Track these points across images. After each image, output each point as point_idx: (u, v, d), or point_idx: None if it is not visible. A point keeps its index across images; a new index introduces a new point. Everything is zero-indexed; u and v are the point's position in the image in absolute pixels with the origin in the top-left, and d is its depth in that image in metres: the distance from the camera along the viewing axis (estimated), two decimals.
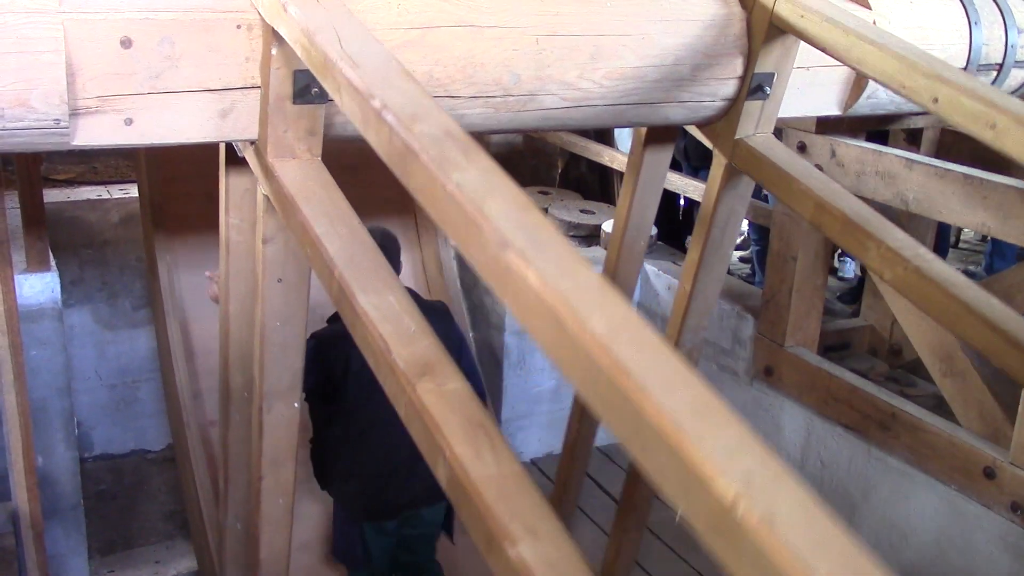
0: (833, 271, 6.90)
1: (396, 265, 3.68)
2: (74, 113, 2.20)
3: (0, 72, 2.09)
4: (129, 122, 2.27)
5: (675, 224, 7.51)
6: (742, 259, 7.89)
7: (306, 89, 2.26)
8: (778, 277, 4.78)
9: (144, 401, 5.76)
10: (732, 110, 3.01)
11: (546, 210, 6.36)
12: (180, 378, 4.97)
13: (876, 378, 4.80)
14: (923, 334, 4.44)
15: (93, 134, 2.25)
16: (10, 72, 2.10)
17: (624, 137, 7.01)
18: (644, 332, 1.09)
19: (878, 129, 4.69)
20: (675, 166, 6.20)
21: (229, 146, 2.63)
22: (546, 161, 7.47)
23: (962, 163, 3.92)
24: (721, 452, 0.94)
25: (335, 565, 4.43)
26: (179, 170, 4.95)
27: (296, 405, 2.71)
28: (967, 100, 2.23)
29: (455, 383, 1.59)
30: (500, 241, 1.21)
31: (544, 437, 5.93)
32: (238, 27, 2.29)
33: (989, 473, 3.78)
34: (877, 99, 3.35)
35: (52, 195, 5.58)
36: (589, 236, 6.19)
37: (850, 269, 7.26)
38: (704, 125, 3.12)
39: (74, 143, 2.24)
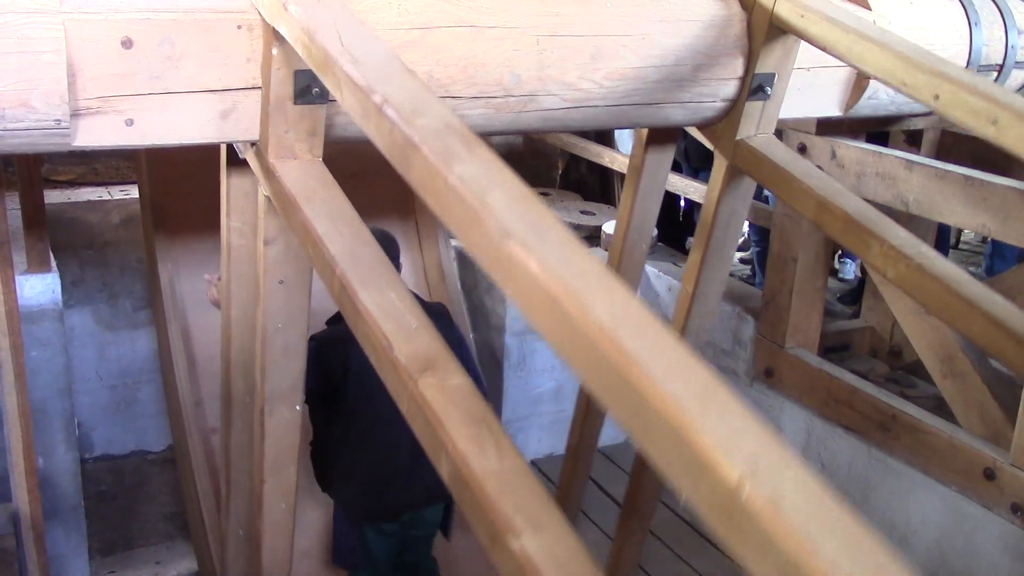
0: (833, 272, 6.90)
1: (396, 266, 3.68)
2: (75, 114, 2.20)
3: (1, 72, 2.09)
4: (130, 123, 2.27)
5: (675, 225, 7.51)
6: (742, 260, 7.89)
7: (307, 89, 2.26)
8: (778, 278, 4.78)
9: (144, 402, 5.76)
10: (733, 111, 3.01)
11: None
12: (182, 384, 4.96)
13: (876, 379, 4.80)
14: (923, 335, 4.43)
15: (94, 135, 2.25)
16: (11, 72, 2.10)
17: (624, 138, 7.01)
18: (647, 319, 1.09)
19: (878, 131, 4.69)
20: (675, 167, 6.20)
21: (230, 148, 2.63)
22: (546, 162, 7.47)
23: (962, 164, 3.92)
24: (725, 436, 0.93)
25: (337, 571, 4.42)
26: (180, 171, 4.94)
27: (298, 408, 2.71)
28: (969, 97, 2.23)
29: (457, 379, 1.59)
30: (502, 232, 1.21)
31: (544, 438, 5.93)
32: (239, 27, 2.29)
33: (989, 474, 3.78)
34: (878, 100, 3.35)
35: (53, 196, 5.59)
36: (590, 237, 6.20)
37: (850, 270, 7.26)
38: (705, 126, 3.12)
39: (75, 144, 2.24)
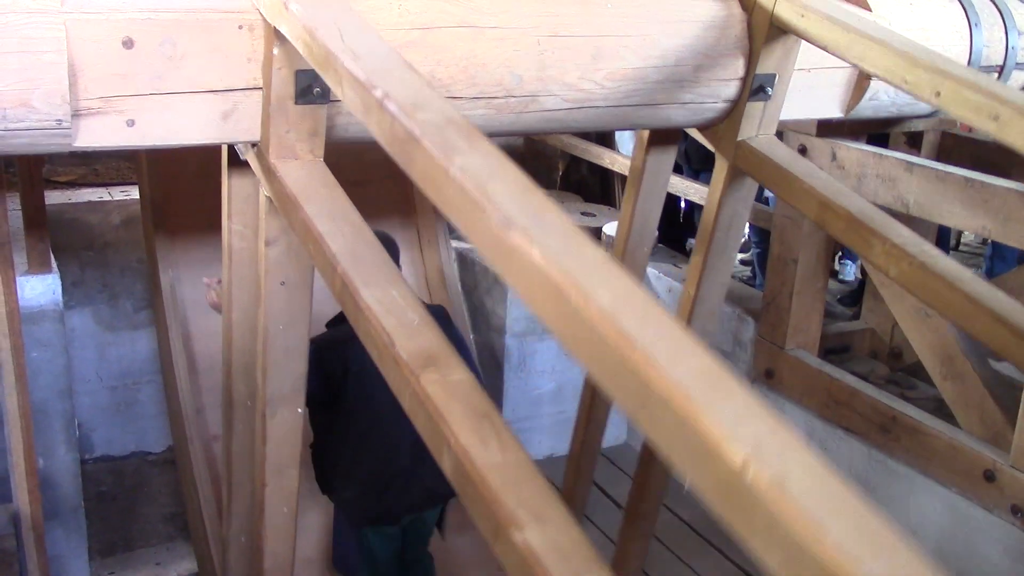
0: (834, 274, 6.90)
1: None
2: (76, 114, 2.20)
3: (2, 72, 2.09)
4: (131, 123, 2.26)
5: (676, 227, 7.51)
6: (743, 262, 7.88)
7: (308, 89, 2.26)
8: (779, 280, 4.78)
9: (144, 403, 5.76)
10: (734, 112, 3.01)
11: None
12: (182, 388, 4.95)
13: (876, 381, 4.80)
14: (924, 337, 4.43)
15: (95, 135, 2.25)
16: (12, 72, 2.10)
17: (625, 140, 7.01)
18: (649, 305, 1.09)
19: (879, 132, 4.69)
20: (676, 169, 6.19)
21: (231, 150, 2.62)
22: (547, 164, 7.47)
23: (963, 166, 3.92)
24: (729, 420, 0.93)
25: None
26: (180, 172, 4.94)
27: (300, 410, 2.70)
28: (970, 93, 2.23)
29: (459, 374, 1.59)
30: (504, 221, 1.22)
31: (545, 440, 5.93)
32: (240, 27, 2.29)
33: (989, 476, 3.78)
34: (879, 101, 3.35)
35: (53, 197, 5.59)
36: None
37: (851, 272, 7.26)
38: (706, 127, 3.12)
39: (76, 144, 2.24)
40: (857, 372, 4.76)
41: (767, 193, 6.02)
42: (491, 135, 2.75)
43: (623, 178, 6.71)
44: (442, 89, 2.53)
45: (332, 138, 2.44)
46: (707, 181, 5.74)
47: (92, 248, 5.57)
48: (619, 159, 6.44)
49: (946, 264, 2.45)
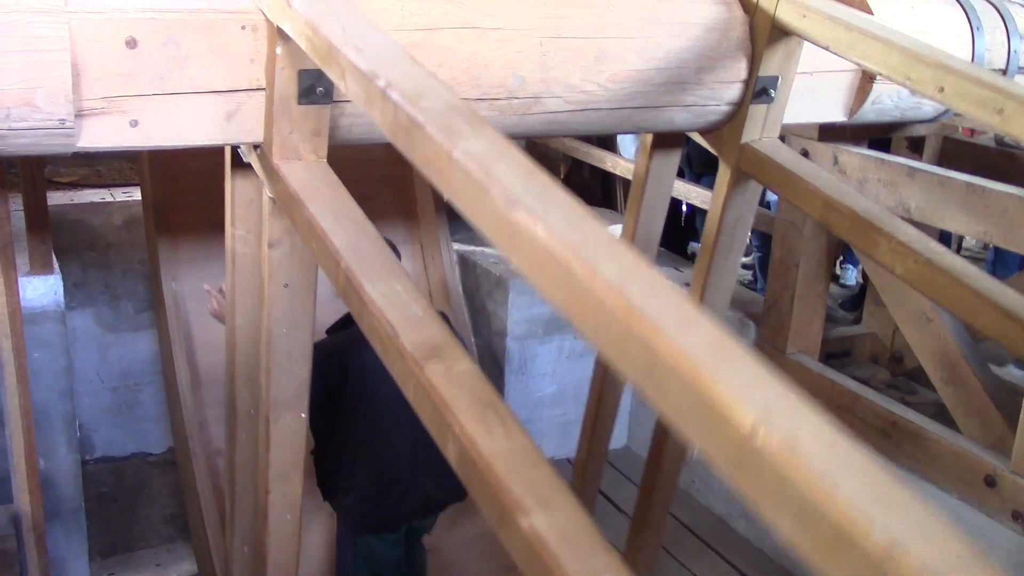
0: (835, 278, 6.90)
1: None
2: (79, 114, 2.20)
3: (6, 71, 2.09)
4: (134, 124, 2.27)
5: (678, 230, 7.51)
6: (744, 265, 7.87)
7: (311, 89, 2.26)
8: (780, 284, 4.78)
9: (145, 404, 5.76)
10: (737, 114, 3.01)
11: None
12: (184, 391, 4.94)
13: (877, 385, 4.80)
14: (925, 342, 4.43)
15: (98, 136, 2.25)
16: (15, 71, 2.10)
17: (627, 143, 7.02)
18: (655, 277, 1.09)
19: (881, 137, 4.69)
20: (678, 173, 6.20)
21: (234, 153, 2.62)
22: (548, 167, 7.48)
23: (965, 171, 3.92)
24: (737, 385, 0.93)
25: None
26: (182, 173, 4.95)
27: (303, 416, 2.69)
28: (973, 87, 2.24)
29: (464, 364, 1.59)
30: (508, 201, 1.22)
31: (546, 442, 5.93)
32: (243, 28, 2.29)
33: (990, 482, 3.77)
34: (882, 105, 3.36)
35: (55, 198, 5.60)
36: None
37: (852, 276, 7.26)
38: (710, 131, 3.12)
39: (79, 144, 2.24)
40: (858, 377, 4.75)
41: (768, 197, 6.02)
42: None
43: (625, 182, 6.72)
44: None
45: (335, 140, 2.44)
46: (709, 185, 5.76)
47: (94, 249, 5.57)
48: (621, 162, 6.45)
49: (952, 261, 2.45)
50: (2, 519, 3.98)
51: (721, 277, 3.33)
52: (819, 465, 0.85)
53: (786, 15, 2.76)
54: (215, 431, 4.82)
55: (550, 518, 1.27)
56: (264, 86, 2.34)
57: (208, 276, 4.23)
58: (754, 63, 2.92)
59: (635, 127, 3.08)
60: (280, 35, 2.19)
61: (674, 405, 0.98)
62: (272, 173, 2.33)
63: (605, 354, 1.09)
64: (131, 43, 2.20)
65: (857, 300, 6.29)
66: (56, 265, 4.54)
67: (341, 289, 1.91)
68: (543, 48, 2.65)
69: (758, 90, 2.93)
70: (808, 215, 3.04)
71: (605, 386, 3.85)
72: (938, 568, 0.76)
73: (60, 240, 5.06)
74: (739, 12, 2.92)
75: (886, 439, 4.20)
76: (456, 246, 6.01)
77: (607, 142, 6.78)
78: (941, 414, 4.42)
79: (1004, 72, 3.64)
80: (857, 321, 5.65)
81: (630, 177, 5.42)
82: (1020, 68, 3.67)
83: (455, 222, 5.94)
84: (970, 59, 3.50)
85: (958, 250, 8.36)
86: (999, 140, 4.78)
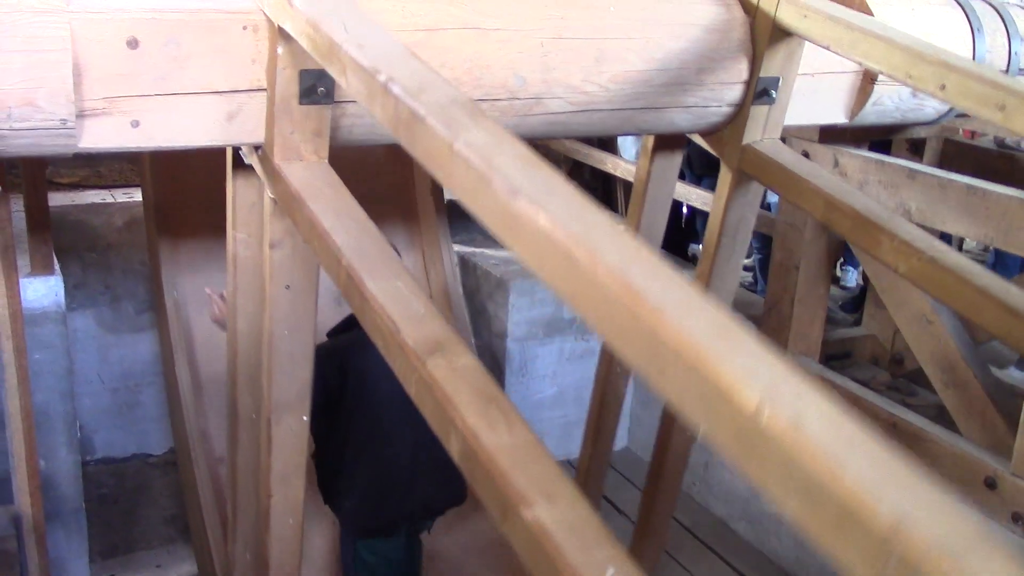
0: (835, 280, 6.90)
1: None
2: (80, 115, 2.20)
3: (7, 71, 2.09)
4: (136, 124, 2.27)
5: (678, 232, 7.51)
6: (744, 267, 7.89)
7: (312, 89, 2.26)
8: (780, 286, 4.78)
9: (146, 405, 5.76)
10: (739, 116, 3.01)
11: None
12: (184, 393, 4.93)
13: (878, 387, 4.80)
14: (925, 344, 4.43)
15: (99, 136, 2.25)
16: (17, 71, 2.10)
17: (628, 144, 7.02)
18: (656, 263, 1.10)
19: (881, 139, 4.69)
20: (678, 175, 6.20)
21: (236, 156, 2.62)
22: None
23: (965, 174, 3.92)
24: (741, 366, 0.93)
25: None
26: (183, 174, 4.95)
27: (305, 418, 2.69)
28: (975, 84, 2.24)
29: (466, 359, 1.59)
30: (510, 190, 1.22)
31: (546, 444, 5.91)
32: (244, 28, 2.29)
33: (990, 483, 3.77)
34: (883, 106, 3.36)
35: (56, 199, 5.59)
36: None
37: (852, 278, 7.26)
38: (711, 132, 3.12)
39: (81, 145, 2.24)
40: (858, 379, 4.76)
41: (768, 199, 6.02)
42: None
43: (626, 183, 6.72)
44: None
45: (337, 141, 2.44)
46: (709, 187, 5.76)
47: (95, 250, 5.57)
48: (622, 164, 6.45)
49: (956, 259, 2.45)
50: (3, 520, 3.97)
51: (723, 279, 3.33)
52: (825, 444, 0.85)
53: (787, 16, 2.76)
54: (217, 440, 4.82)
55: (554, 510, 1.27)
56: (265, 86, 2.34)
57: (209, 277, 4.22)
58: (755, 64, 2.92)
59: (637, 129, 3.08)
60: (281, 35, 2.19)
61: (678, 388, 0.98)
62: (273, 174, 2.33)
63: (608, 340, 1.09)
64: (132, 43, 2.20)
65: (857, 302, 6.29)
66: (57, 266, 4.54)
67: (343, 287, 1.91)
68: (544, 49, 2.66)
69: (759, 91, 2.94)
70: (810, 215, 3.04)
71: (608, 388, 3.85)
72: (946, 543, 0.76)
73: (61, 241, 5.06)
74: (739, 13, 2.92)
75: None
76: (456, 247, 6.01)
77: (608, 144, 6.78)
78: (941, 416, 4.42)
79: (1005, 73, 3.64)
80: (857, 323, 5.66)
81: (631, 179, 5.43)
82: (1021, 70, 3.67)
83: (455, 223, 5.94)
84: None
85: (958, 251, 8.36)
86: (1000, 142, 4.78)
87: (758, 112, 2.98)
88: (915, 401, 4.78)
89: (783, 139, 3.14)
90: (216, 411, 4.78)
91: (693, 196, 5.98)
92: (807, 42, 2.84)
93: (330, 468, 3.83)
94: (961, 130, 4.97)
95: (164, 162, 4.99)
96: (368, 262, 1.87)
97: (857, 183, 4.22)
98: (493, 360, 5.84)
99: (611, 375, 3.78)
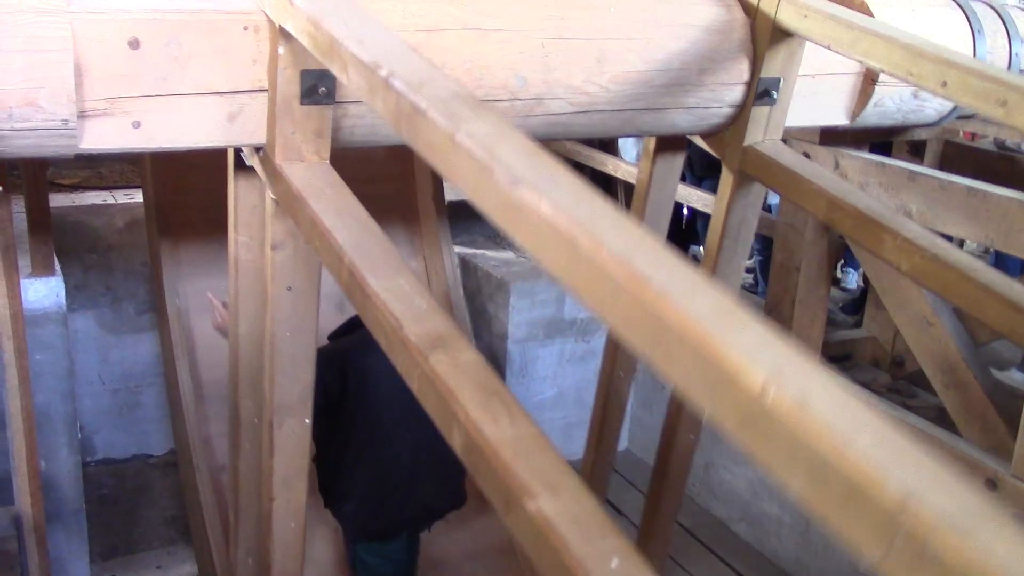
0: (836, 282, 6.90)
1: None
2: (82, 115, 2.20)
3: (8, 71, 2.09)
4: (137, 125, 2.27)
5: (679, 234, 7.50)
6: (745, 269, 7.88)
7: (313, 89, 2.26)
8: (781, 287, 4.78)
9: (146, 406, 5.76)
10: (740, 116, 3.01)
11: None
12: (185, 394, 4.93)
13: (878, 389, 4.80)
14: (926, 346, 4.43)
15: (101, 137, 2.25)
16: (18, 71, 2.10)
17: (628, 146, 7.01)
18: (660, 249, 1.10)
19: (882, 141, 4.69)
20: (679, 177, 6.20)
21: (237, 158, 2.62)
22: None
23: (966, 176, 3.92)
24: (746, 347, 0.93)
25: None
26: (184, 175, 4.95)
27: (307, 421, 2.68)
28: (976, 80, 2.24)
29: (468, 354, 1.59)
30: (512, 179, 1.23)
31: None
32: (245, 28, 2.29)
33: (991, 485, 3.77)
34: (884, 108, 3.36)
35: (57, 200, 5.60)
36: None
37: (853, 280, 7.26)
38: (713, 134, 3.11)
39: (82, 145, 2.24)
40: (859, 380, 4.76)
41: (769, 200, 6.02)
42: None
43: (627, 185, 6.71)
44: None
45: (338, 142, 2.44)
46: (710, 188, 5.76)
47: (96, 251, 5.57)
48: (622, 165, 6.44)
49: (958, 256, 2.46)
50: (3, 521, 3.97)
51: (726, 280, 3.32)
52: (831, 422, 0.85)
53: (787, 16, 2.76)
54: (219, 447, 4.81)
55: (557, 502, 1.27)
56: (267, 87, 2.34)
57: (210, 279, 4.22)
58: (756, 65, 2.92)
59: (638, 130, 3.07)
60: (282, 34, 2.19)
61: (683, 371, 0.98)
62: (275, 174, 2.33)
63: (613, 326, 1.09)
64: (134, 44, 2.20)
65: (858, 304, 6.29)
66: (58, 267, 4.55)
67: (345, 285, 1.91)
68: (545, 49, 2.65)
69: (760, 92, 2.93)
70: (813, 216, 3.04)
71: (611, 390, 3.85)
72: (954, 519, 0.76)
73: (62, 242, 5.06)
74: (740, 14, 2.92)
75: None
76: (457, 249, 6.01)
77: (609, 146, 6.77)
78: (942, 418, 4.42)
79: None
80: (858, 325, 5.66)
81: (632, 181, 5.43)
82: (1021, 71, 3.67)
83: (456, 225, 5.94)
84: None
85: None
86: (1000, 144, 4.79)
87: (759, 113, 2.97)
88: (915, 403, 4.78)
89: (784, 141, 3.14)
90: (218, 417, 4.77)
91: (694, 198, 5.98)
92: (808, 43, 2.84)
93: (331, 471, 3.83)
94: (961, 132, 4.97)
95: (165, 163, 4.99)
96: (370, 260, 1.87)
97: (858, 185, 4.21)
98: (494, 361, 5.84)
99: (614, 377, 3.78)
